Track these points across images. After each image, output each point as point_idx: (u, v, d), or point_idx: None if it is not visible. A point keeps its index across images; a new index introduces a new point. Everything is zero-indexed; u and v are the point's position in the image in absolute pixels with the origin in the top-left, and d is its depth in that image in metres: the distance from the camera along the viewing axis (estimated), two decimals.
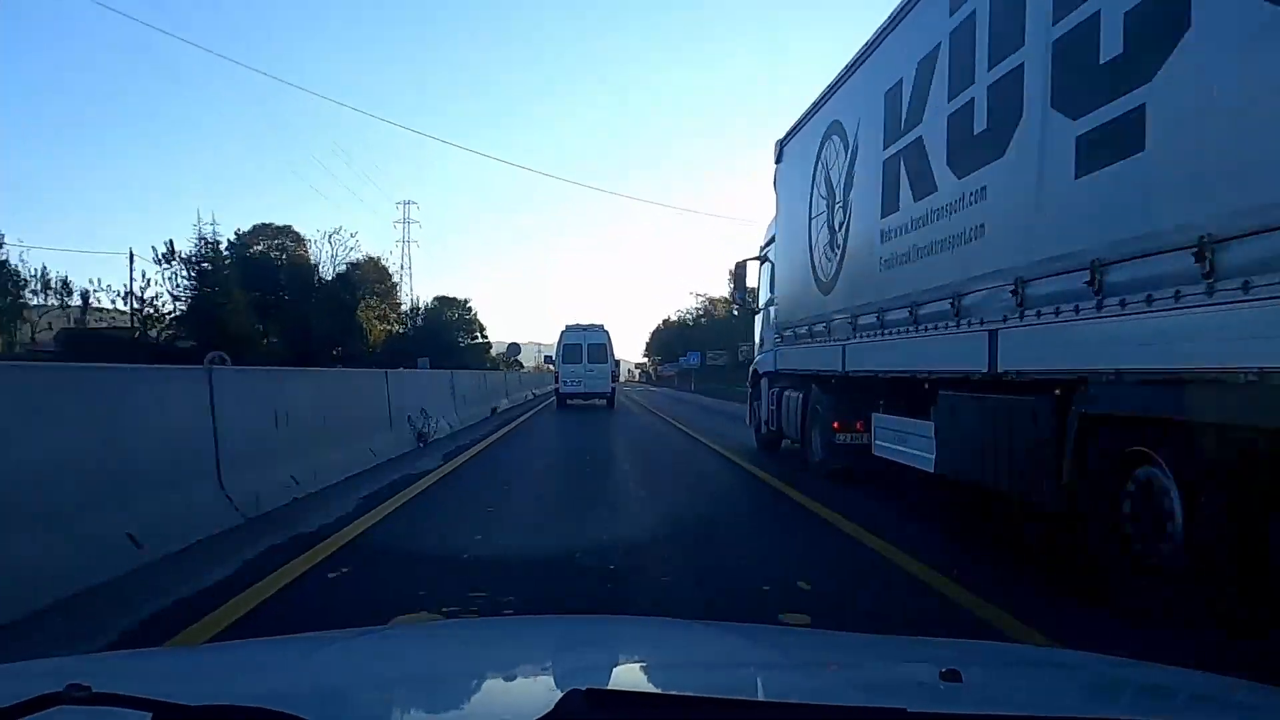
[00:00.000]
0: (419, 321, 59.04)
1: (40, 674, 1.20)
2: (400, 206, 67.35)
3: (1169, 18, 3.23)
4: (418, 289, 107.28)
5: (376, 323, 52.06)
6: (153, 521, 4.34)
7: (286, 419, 6.56)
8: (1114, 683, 1.34)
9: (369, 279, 52.72)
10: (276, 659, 1.44)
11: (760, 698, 1.16)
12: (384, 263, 56.54)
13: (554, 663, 1.49)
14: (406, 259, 73.19)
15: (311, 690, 1.20)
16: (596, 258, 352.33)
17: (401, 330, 55.06)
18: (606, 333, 23.54)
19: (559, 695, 0.83)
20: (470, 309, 79.32)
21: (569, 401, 22.71)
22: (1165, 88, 3.27)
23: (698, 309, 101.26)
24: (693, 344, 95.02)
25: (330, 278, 49.61)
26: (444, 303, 74.64)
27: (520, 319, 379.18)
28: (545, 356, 50.12)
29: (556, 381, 23.21)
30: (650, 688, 1.28)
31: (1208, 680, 1.29)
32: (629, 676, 1.42)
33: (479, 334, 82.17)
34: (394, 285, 58.18)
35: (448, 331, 63.03)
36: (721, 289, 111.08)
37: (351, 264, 50.99)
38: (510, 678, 1.36)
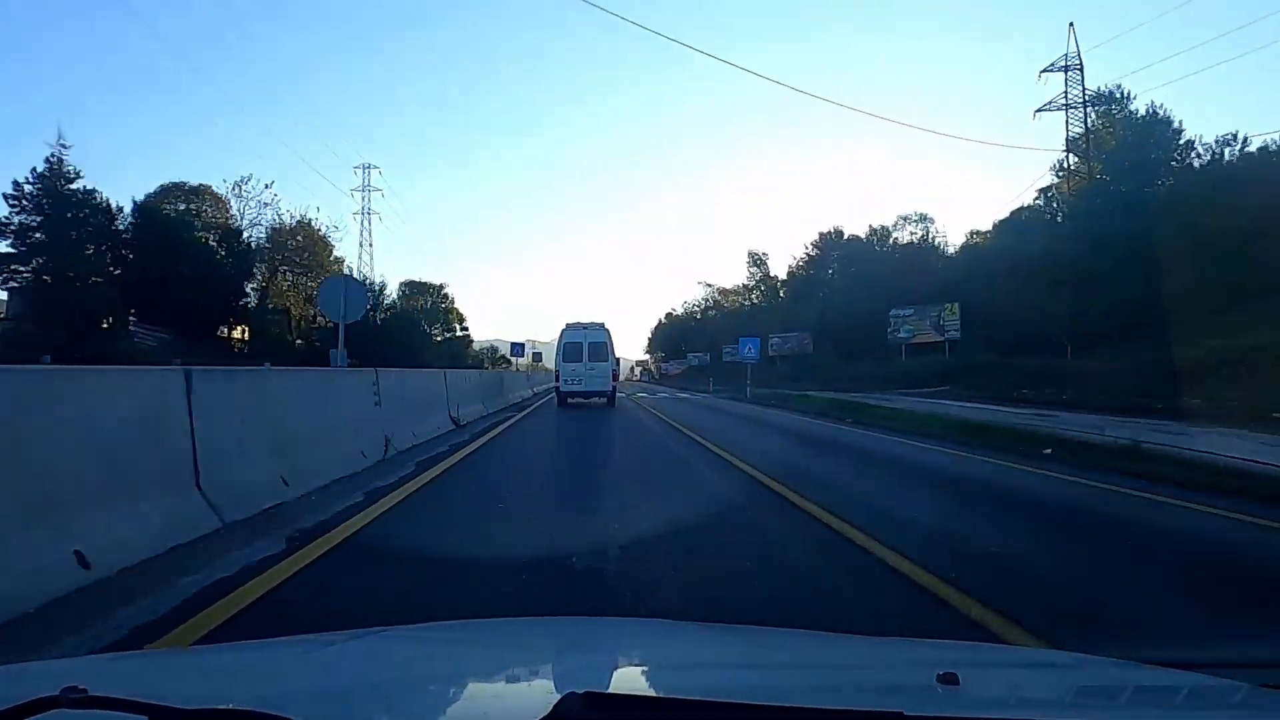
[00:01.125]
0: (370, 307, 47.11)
1: (36, 676, 1.22)
2: (359, 171, 55.53)
3: None
4: (395, 275, 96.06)
5: (307, 305, 40.81)
6: None
7: None
8: (1111, 685, 1.33)
9: (300, 248, 41.61)
10: (272, 661, 1.42)
11: (758, 700, 1.01)
12: (315, 225, 44.27)
13: (552, 665, 1.49)
14: (367, 233, 62.04)
15: (307, 692, 1.18)
16: (594, 255, 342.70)
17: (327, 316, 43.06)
18: (607, 331, 23.04)
19: (556, 698, 0.84)
20: (447, 296, 68.95)
21: (570, 400, 22.13)
22: None
23: (705, 300, 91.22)
24: (700, 339, 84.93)
25: (221, 241, 36.80)
26: (413, 288, 64.05)
27: (517, 316, 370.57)
28: (513, 345, 41.14)
29: (557, 380, 22.92)
30: (648, 690, 1.28)
31: (1204, 682, 1.28)
32: (627, 679, 1.39)
33: (457, 326, 71.73)
34: (336, 259, 46.65)
35: (412, 322, 52.01)
36: (736, 277, 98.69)
37: (274, 228, 39.87)
38: (508, 680, 1.36)
